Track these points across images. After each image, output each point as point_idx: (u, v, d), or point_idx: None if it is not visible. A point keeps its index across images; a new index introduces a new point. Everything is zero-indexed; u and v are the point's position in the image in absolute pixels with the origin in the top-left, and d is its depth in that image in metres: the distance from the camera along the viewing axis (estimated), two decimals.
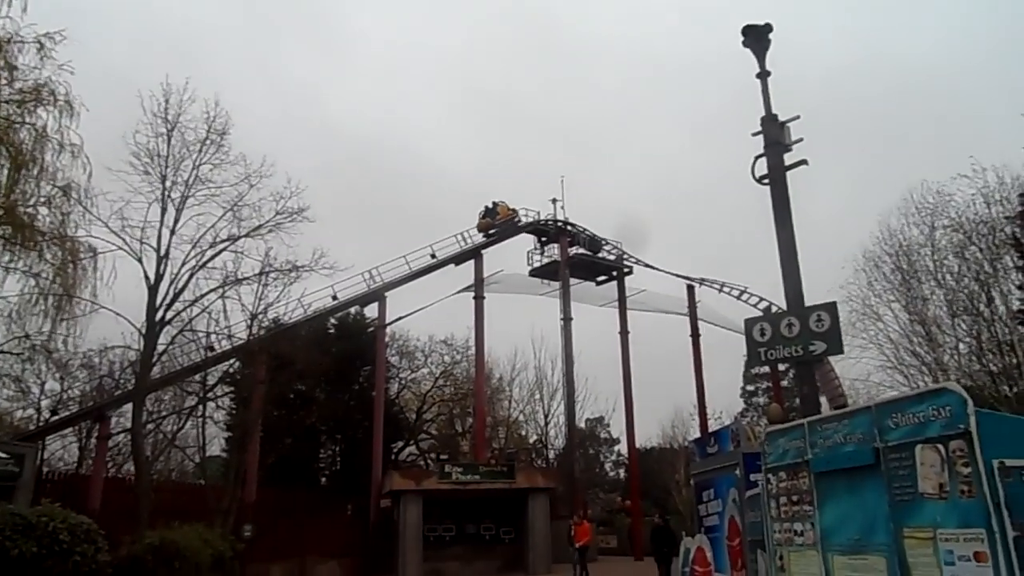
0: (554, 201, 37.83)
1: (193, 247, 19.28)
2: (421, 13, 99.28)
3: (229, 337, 22.09)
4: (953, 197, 21.45)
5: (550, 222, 37.47)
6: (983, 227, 20.93)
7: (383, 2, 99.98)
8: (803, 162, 10.62)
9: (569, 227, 37.49)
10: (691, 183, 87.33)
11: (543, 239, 37.94)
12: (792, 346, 10.04)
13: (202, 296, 19.56)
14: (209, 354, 22.67)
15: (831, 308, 9.92)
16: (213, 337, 21.60)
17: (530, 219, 37.33)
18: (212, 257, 19.49)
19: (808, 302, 10.29)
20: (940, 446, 5.40)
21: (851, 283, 23.42)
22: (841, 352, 10.74)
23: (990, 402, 18.92)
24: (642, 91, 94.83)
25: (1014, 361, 20.33)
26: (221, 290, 20.05)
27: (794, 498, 7.09)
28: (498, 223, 36.31)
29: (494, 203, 36.73)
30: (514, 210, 36.99)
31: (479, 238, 35.28)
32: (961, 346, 21.97)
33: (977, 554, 5.04)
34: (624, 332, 37.04)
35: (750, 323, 10.69)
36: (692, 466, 16.12)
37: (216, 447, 30.54)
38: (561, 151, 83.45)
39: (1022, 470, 4.98)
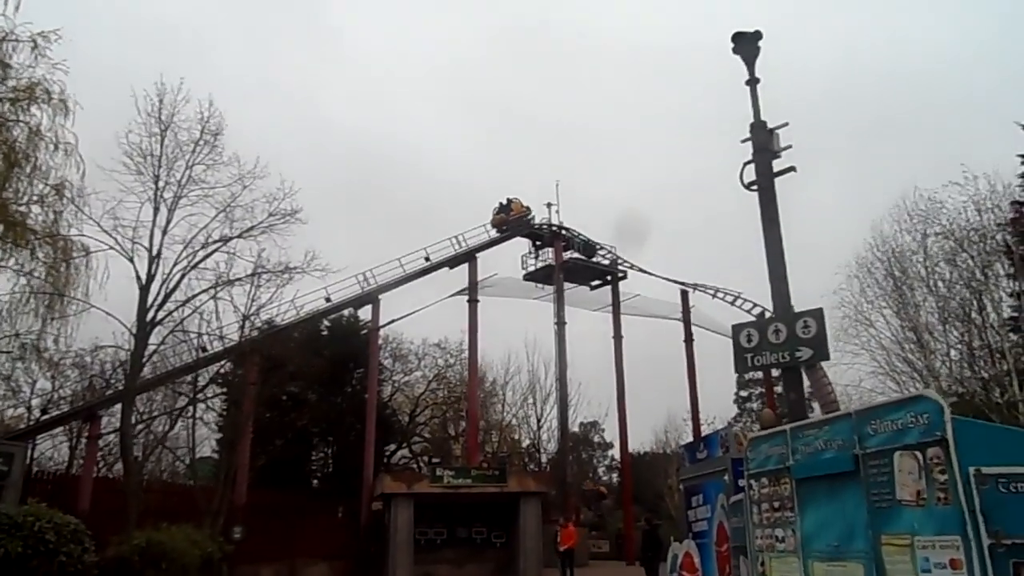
0: (549, 205, 37.95)
1: (185, 247, 19.33)
2: (417, 16, 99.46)
3: (221, 338, 22.10)
4: (944, 204, 21.49)
5: (545, 226, 37.54)
6: (974, 234, 20.97)
7: (379, 5, 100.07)
8: (791, 169, 10.66)
9: (564, 231, 37.56)
10: (688, 188, 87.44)
11: (538, 243, 38.00)
12: (779, 352, 10.08)
13: (194, 296, 19.58)
14: (201, 355, 22.63)
15: (818, 314, 9.94)
16: (205, 338, 21.59)
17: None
18: (204, 258, 19.52)
19: (804, 307, 10.32)
20: (918, 453, 5.43)
21: (843, 289, 23.46)
22: (827, 358, 10.79)
23: (981, 409, 18.98)
24: (641, 94, 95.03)
25: (1005, 368, 20.38)
26: (213, 291, 20.06)
27: (776, 504, 7.12)
28: (512, 219, 36.56)
29: (508, 199, 37.09)
30: (528, 207, 37.31)
31: (474, 241, 35.27)
32: (953, 353, 22.01)
33: (952, 561, 5.07)
34: (618, 336, 37.08)
35: (738, 328, 10.73)
36: (682, 471, 16.11)
37: (207, 448, 30.54)
38: (557, 155, 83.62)
39: (998, 477, 5.00)
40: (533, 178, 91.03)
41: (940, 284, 21.93)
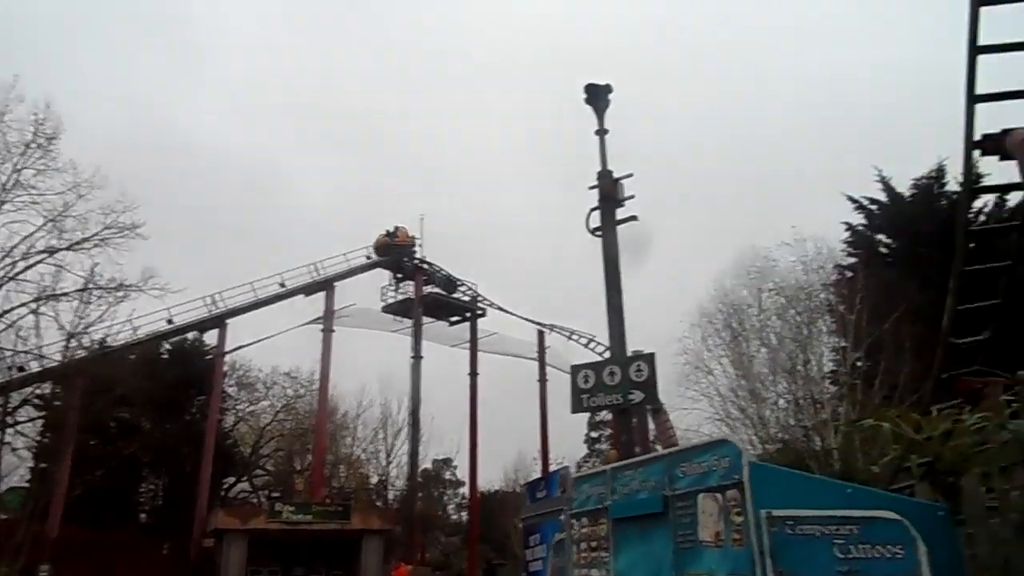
0: (412, 239, 37.85)
1: (4, 257, 17.78)
2: (278, 35, 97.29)
3: (40, 357, 20.36)
4: (777, 263, 23.12)
5: (407, 259, 37.35)
6: (801, 292, 22.62)
7: (241, 18, 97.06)
8: (633, 218, 11.10)
9: (426, 265, 37.52)
10: (550, 230, 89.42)
11: (399, 276, 37.73)
12: (613, 394, 10.35)
13: (10, 310, 18.01)
14: (16, 375, 20.68)
15: (649, 359, 10.31)
16: (21, 356, 19.80)
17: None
18: (25, 269, 18.15)
19: (658, 350, 10.66)
20: (718, 495, 5.64)
21: (687, 337, 24.55)
22: (656, 403, 11.22)
23: (802, 455, 20.26)
24: (519, 131, 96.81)
25: (824, 417, 21.89)
26: (35, 305, 18.54)
27: (593, 544, 7.19)
28: (396, 244, 36.53)
29: (396, 227, 37.32)
30: (413, 237, 37.54)
31: (332, 270, 34.59)
32: (781, 402, 23.40)
33: None
34: (474, 374, 37.19)
35: (576, 369, 10.95)
36: (522, 510, 16.15)
37: (18, 477, 27.80)
38: (421, 187, 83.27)
39: (785, 520, 5.28)
40: (402, 210, 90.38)
41: (772, 337, 23.40)
